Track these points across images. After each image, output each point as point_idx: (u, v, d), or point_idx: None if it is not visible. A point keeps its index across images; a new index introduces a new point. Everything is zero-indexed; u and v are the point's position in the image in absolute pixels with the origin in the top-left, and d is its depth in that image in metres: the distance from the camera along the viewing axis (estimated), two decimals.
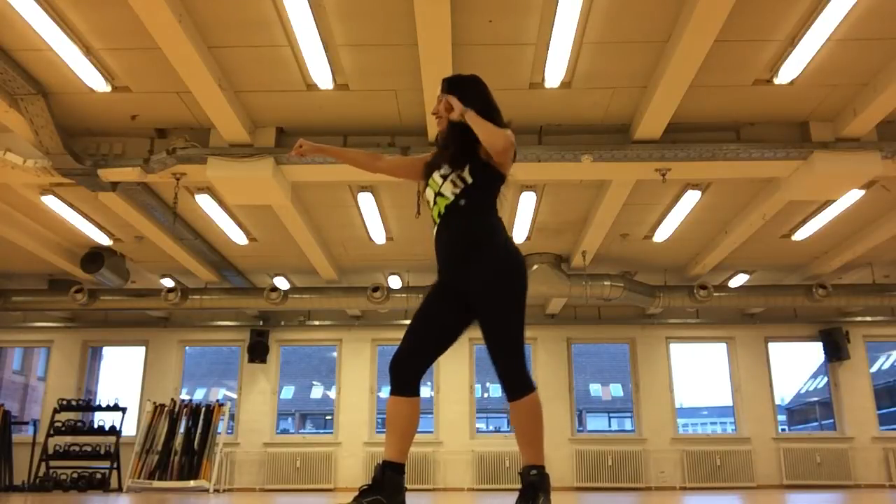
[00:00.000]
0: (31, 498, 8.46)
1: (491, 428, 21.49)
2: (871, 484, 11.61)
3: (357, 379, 12.45)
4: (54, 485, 10.85)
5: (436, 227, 2.74)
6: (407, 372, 2.59)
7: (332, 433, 12.45)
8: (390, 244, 9.69)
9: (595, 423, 26.48)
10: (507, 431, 16.18)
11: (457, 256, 2.67)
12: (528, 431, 2.57)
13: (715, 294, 10.38)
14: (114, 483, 11.08)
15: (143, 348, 12.74)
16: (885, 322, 12.39)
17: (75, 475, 10.91)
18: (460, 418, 12.03)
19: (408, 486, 2.64)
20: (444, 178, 2.74)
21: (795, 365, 25.91)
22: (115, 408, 11.54)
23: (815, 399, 23.41)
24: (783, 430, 14.76)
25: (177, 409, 11.34)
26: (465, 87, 2.85)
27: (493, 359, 2.59)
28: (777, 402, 12.62)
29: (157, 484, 10.63)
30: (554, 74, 5.95)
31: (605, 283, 10.06)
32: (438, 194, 2.73)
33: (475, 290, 2.62)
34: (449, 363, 11.70)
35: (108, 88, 6.18)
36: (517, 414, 2.57)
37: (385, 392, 13.92)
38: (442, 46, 5.27)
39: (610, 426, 26.73)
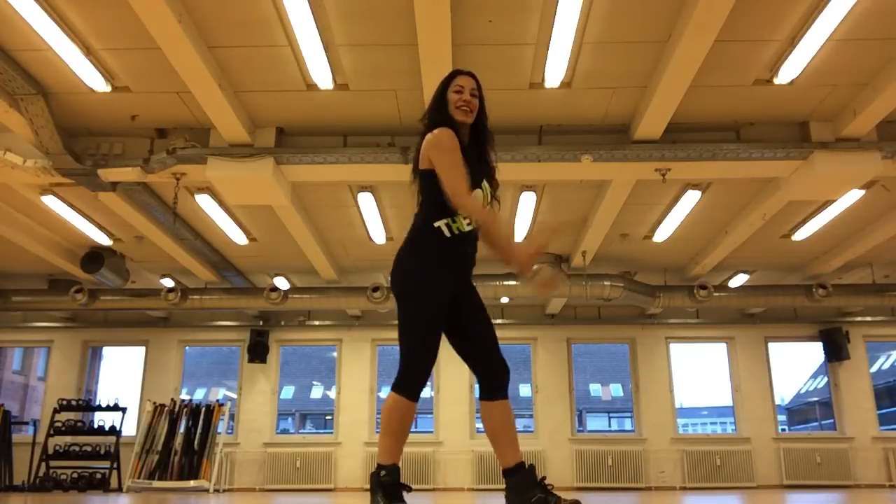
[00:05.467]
0: (31, 498, 8.46)
1: None
2: (871, 484, 11.61)
3: (357, 379, 12.45)
4: (54, 485, 10.85)
5: (461, 234, 2.73)
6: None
7: (332, 433, 12.45)
8: (390, 244, 9.68)
9: (595, 423, 26.46)
10: None
11: (473, 261, 2.83)
12: (514, 428, 2.69)
13: (715, 294, 10.38)
14: (114, 483, 11.08)
15: (143, 348, 12.74)
16: (885, 322, 12.38)
17: (75, 475, 10.91)
18: (460, 418, 12.04)
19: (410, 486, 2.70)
20: (490, 192, 2.87)
21: (795, 365, 25.90)
22: (115, 408, 11.53)
23: (815, 399, 23.40)
24: (783, 430, 14.76)
25: (177, 409, 11.34)
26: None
27: (493, 351, 2.70)
28: (777, 402, 12.62)
29: (157, 484, 10.63)
30: (554, 74, 5.95)
31: (605, 283, 10.05)
32: (489, 204, 2.85)
33: (473, 293, 2.81)
34: (449, 363, 11.71)
35: (108, 88, 6.18)
36: (505, 411, 2.66)
37: (385, 392, 13.92)
38: (442, 46, 5.27)
39: (610, 426, 26.71)
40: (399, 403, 2.59)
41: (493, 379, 2.68)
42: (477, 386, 3.07)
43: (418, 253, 2.70)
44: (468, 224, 2.73)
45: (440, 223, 2.69)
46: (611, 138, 6.84)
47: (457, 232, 2.71)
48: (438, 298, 2.65)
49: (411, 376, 2.60)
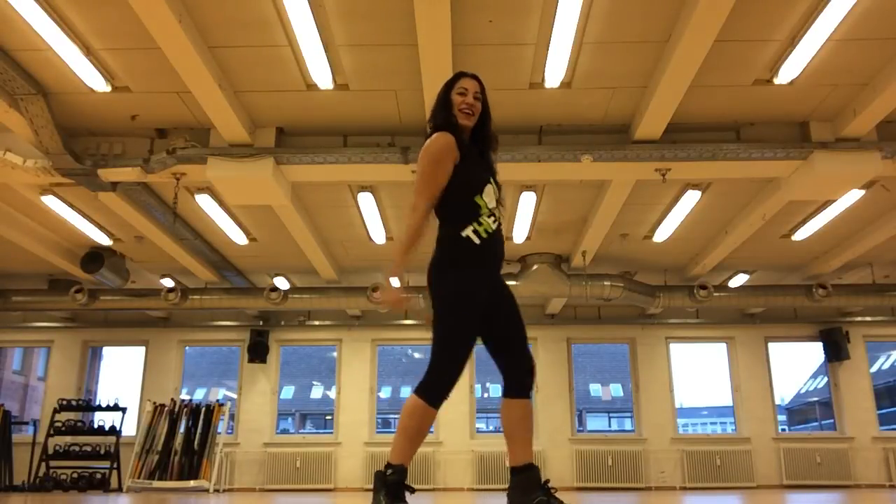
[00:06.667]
0: (31, 498, 8.46)
1: (491, 428, 21.48)
2: (871, 484, 11.61)
3: (357, 379, 12.45)
4: (54, 485, 10.85)
5: (490, 235, 2.71)
6: None
7: (332, 433, 12.45)
8: (390, 244, 9.68)
9: (595, 423, 26.48)
10: None
11: (503, 255, 2.80)
12: (531, 428, 2.68)
13: (715, 294, 10.38)
14: (114, 483, 11.08)
15: (143, 348, 12.74)
16: (885, 322, 12.38)
17: (75, 475, 10.92)
18: (460, 418, 12.03)
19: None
20: (497, 190, 2.85)
21: (795, 365, 25.91)
22: (115, 408, 11.54)
23: (815, 399, 23.41)
24: (783, 429, 14.77)
25: (177, 409, 11.34)
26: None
27: (523, 352, 2.70)
28: (777, 402, 12.62)
29: (157, 484, 10.64)
30: (554, 74, 5.95)
31: (605, 283, 10.06)
32: (499, 203, 2.82)
33: (504, 292, 2.79)
34: None
35: (108, 88, 6.18)
36: (526, 410, 2.66)
37: (385, 392, 13.94)
38: (442, 46, 5.27)
39: (610, 426, 26.73)
40: (419, 407, 2.57)
41: (520, 379, 2.68)
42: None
43: (447, 261, 2.69)
44: (494, 222, 2.72)
45: (467, 231, 2.67)
46: (611, 138, 6.83)
47: (485, 235, 2.69)
48: (472, 302, 2.63)
49: (437, 382, 2.58)
